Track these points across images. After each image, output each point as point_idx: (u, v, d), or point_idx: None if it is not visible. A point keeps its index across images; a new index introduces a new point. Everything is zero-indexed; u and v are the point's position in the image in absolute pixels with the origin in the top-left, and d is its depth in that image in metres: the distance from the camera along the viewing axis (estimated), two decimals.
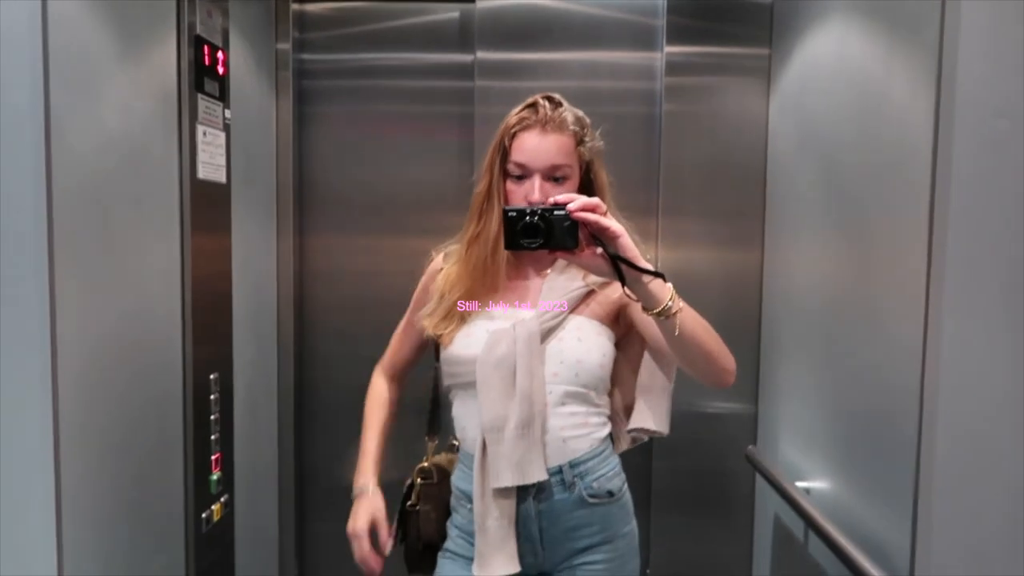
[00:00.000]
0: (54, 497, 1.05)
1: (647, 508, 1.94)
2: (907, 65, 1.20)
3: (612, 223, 1.07)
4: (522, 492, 1.25)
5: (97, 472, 1.15)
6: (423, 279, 1.43)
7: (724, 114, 1.89)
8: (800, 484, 1.55)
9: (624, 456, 1.37)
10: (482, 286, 1.32)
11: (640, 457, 1.86)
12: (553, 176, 1.26)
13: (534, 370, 1.25)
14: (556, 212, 1.09)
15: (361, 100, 2.01)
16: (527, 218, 1.11)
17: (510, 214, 1.12)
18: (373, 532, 1.31)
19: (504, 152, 1.28)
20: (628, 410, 1.39)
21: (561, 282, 1.33)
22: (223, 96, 1.51)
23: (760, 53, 1.87)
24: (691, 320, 1.12)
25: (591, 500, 1.29)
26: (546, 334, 1.28)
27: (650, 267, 1.09)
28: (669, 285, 1.10)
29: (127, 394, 1.22)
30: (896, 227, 1.24)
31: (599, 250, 1.10)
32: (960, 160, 0.91)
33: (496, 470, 1.23)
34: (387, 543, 1.32)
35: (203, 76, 1.42)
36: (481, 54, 1.94)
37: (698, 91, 1.89)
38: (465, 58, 1.97)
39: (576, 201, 1.09)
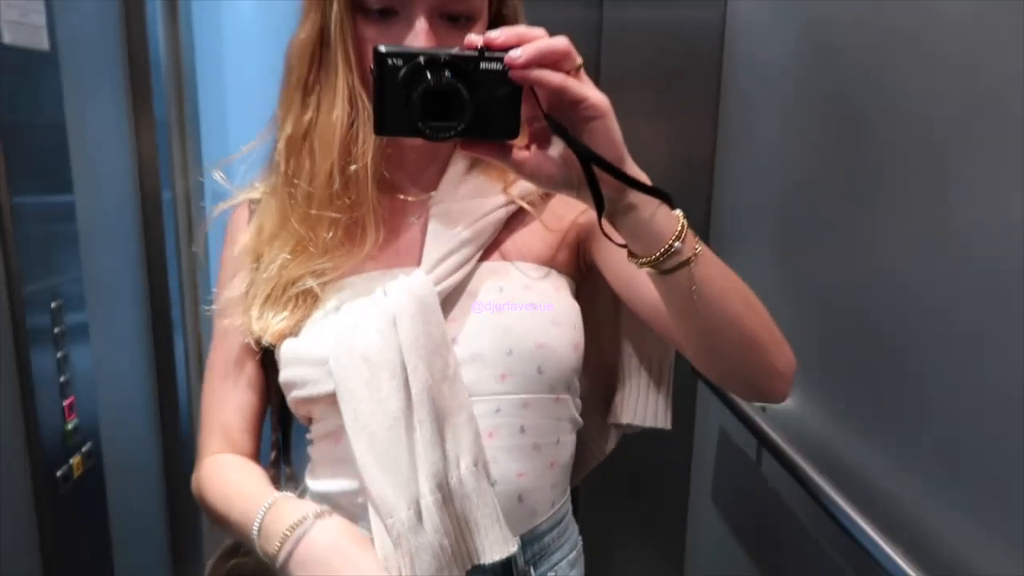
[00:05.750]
0: None
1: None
2: None
3: (591, 90, 0.58)
4: None
5: None
6: (224, 248, 0.87)
7: None
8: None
9: None
10: (334, 228, 0.77)
11: None
12: (449, 13, 0.72)
13: (443, 370, 0.73)
14: (486, 64, 0.58)
15: None
16: (430, 74, 0.58)
17: (391, 63, 0.58)
18: None
19: None
20: (599, 395, 0.95)
21: (463, 200, 0.80)
22: None
23: None
24: (715, 276, 0.65)
25: None
26: (455, 300, 0.77)
27: (645, 177, 0.63)
28: (678, 213, 0.63)
29: None
30: (906, 100, 1.01)
31: (554, 147, 0.62)
32: None
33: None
34: None
35: None
36: None
37: None
38: None
39: (528, 45, 0.57)
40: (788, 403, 1.37)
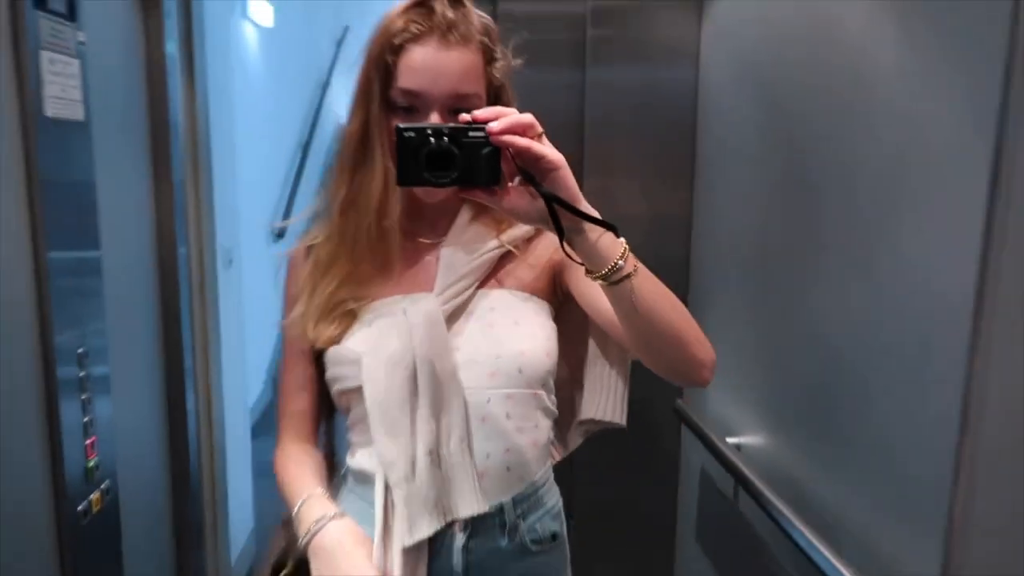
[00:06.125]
0: None
1: (570, 459, 1.87)
2: None
3: (550, 149, 0.80)
4: (442, 540, 0.99)
5: None
6: (285, 284, 1.11)
7: (653, 40, 1.74)
8: (731, 440, 1.50)
9: None
10: (371, 265, 1.03)
11: None
12: (456, 108, 0.94)
13: (443, 369, 0.97)
14: (472, 133, 0.81)
15: None
16: (433, 140, 0.82)
17: (407, 135, 0.83)
18: None
19: (386, 73, 0.96)
20: (570, 398, 1.15)
21: (466, 244, 1.05)
22: (73, 13, 1.25)
23: None
24: (650, 288, 0.86)
25: (533, 548, 1.04)
26: (457, 317, 1.02)
27: (596, 213, 0.83)
28: (621, 240, 0.84)
29: None
30: (845, 167, 1.14)
31: (527, 191, 0.82)
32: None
33: (405, 518, 0.95)
34: None
35: None
36: None
37: (626, 15, 1.74)
38: None
39: (502, 119, 0.80)
40: (762, 443, 1.46)
